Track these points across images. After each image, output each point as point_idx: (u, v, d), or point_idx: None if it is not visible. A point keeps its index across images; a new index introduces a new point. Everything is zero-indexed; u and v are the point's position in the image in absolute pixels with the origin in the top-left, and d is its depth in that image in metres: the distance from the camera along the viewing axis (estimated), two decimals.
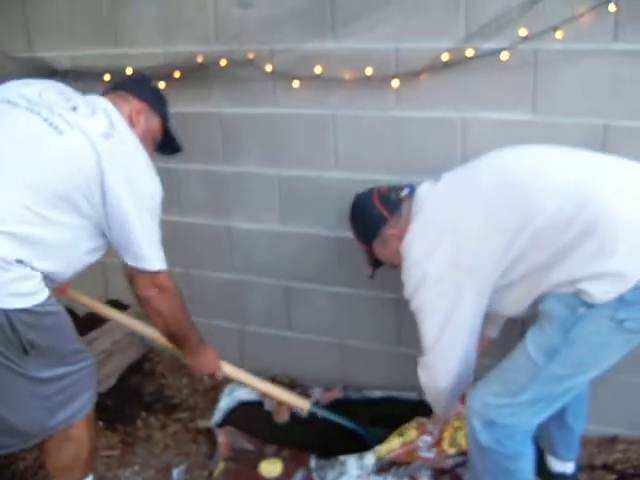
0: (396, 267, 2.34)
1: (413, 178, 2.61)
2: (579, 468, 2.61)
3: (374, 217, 2.31)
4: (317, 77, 2.69)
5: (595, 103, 2.40)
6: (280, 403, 2.86)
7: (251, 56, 2.77)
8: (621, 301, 1.81)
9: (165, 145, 2.44)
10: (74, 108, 2.06)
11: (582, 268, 1.86)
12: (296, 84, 2.73)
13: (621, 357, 1.98)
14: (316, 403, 2.87)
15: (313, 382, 3.20)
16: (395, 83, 2.58)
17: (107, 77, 3.03)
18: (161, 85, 2.96)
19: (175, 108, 2.99)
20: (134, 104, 2.26)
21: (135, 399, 3.28)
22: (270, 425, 2.85)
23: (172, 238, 3.28)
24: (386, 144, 2.73)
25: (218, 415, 2.90)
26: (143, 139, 2.21)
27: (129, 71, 2.98)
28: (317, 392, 3.02)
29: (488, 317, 2.20)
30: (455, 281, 2.04)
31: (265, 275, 3.19)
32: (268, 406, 2.90)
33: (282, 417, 2.84)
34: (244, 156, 3.01)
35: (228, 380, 3.27)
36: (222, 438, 2.79)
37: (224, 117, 2.97)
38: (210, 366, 2.57)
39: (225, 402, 2.95)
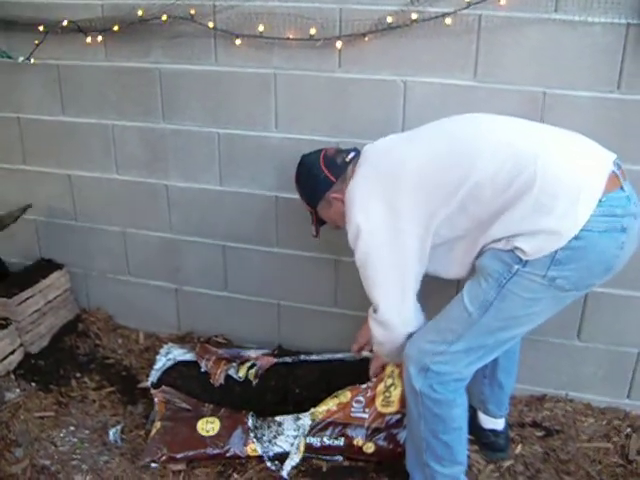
0: (339, 228, 2.35)
1: (354, 140, 2.64)
2: (509, 425, 2.71)
3: (320, 181, 2.30)
4: (259, 35, 2.65)
5: (535, 71, 2.43)
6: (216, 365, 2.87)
7: (193, 12, 2.70)
8: (553, 260, 1.89)
9: None
10: None
11: (520, 224, 1.92)
12: (238, 42, 2.68)
13: (553, 315, 2.07)
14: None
15: (250, 342, 3.22)
16: (339, 44, 2.57)
17: (41, 28, 2.92)
18: (99, 38, 2.88)
19: (113, 62, 2.96)
20: None
21: (69, 360, 3.24)
22: (206, 386, 2.83)
23: (108, 196, 3.25)
24: (328, 105, 2.71)
25: (154, 375, 2.87)
26: None
27: (65, 23, 2.88)
28: (252, 353, 3.02)
29: None
30: (396, 228, 2.06)
31: (202, 235, 3.16)
32: (204, 367, 2.89)
33: (218, 379, 2.84)
34: (183, 113, 2.95)
35: (164, 341, 3.29)
36: (159, 398, 2.79)
37: (163, 73, 2.90)
38: None
39: (161, 362, 2.93)
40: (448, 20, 2.41)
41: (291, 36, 2.62)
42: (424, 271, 2.16)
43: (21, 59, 3.04)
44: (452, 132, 2.12)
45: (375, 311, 2.21)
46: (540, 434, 2.73)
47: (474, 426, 2.59)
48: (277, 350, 3.13)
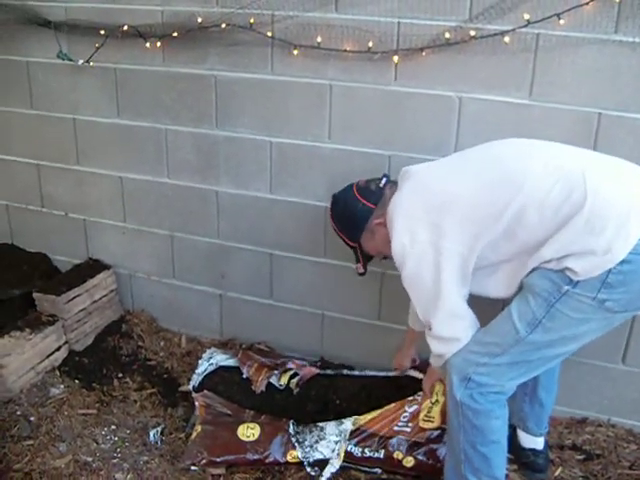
0: (386, 258, 2.34)
1: (406, 154, 2.66)
2: (549, 447, 2.68)
3: (359, 211, 2.30)
4: (317, 46, 2.67)
5: (592, 91, 2.42)
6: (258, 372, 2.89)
7: (252, 21, 2.73)
8: (604, 283, 1.89)
9: None
10: None
11: (570, 245, 1.92)
12: (295, 52, 2.71)
13: (601, 335, 2.06)
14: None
15: (292, 351, 3.23)
16: (395, 58, 2.58)
17: (102, 32, 2.98)
18: (157, 44, 2.93)
19: (170, 68, 3.00)
20: None
21: (112, 359, 3.28)
22: (248, 392, 2.86)
23: (158, 199, 3.29)
24: (382, 118, 2.73)
25: (196, 379, 2.90)
26: None
27: (125, 27, 2.94)
28: (294, 362, 3.02)
29: None
30: (440, 247, 2.06)
31: (250, 242, 3.18)
32: (246, 374, 2.91)
33: (259, 386, 2.85)
34: (237, 121, 2.98)
35: (206, 345, 3.32)
36: (199, 402, 2.81)
37: (219, 80, 2.94)
38: None
39: (203, 367, 2.96)
40: (506, 38, 2.41)
41: (348, 48, 2.64)
42: (468, 289, 2.16)
43: (81, 62, 3.11)
44: (500, 157, 2.12)
45: (430, 328, 2.21)
46: (580, 457, 2.70)
47: (514, 445, 2.58)
48: (319, 363, 3.13)
